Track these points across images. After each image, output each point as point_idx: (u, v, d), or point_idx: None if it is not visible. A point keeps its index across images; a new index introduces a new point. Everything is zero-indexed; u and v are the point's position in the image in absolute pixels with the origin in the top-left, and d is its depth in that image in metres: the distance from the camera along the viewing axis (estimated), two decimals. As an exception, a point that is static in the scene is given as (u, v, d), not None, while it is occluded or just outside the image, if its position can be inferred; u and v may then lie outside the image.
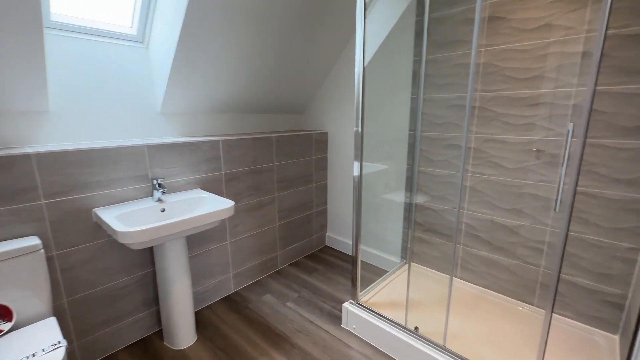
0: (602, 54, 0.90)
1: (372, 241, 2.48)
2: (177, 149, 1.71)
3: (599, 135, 1.47)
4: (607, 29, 1.12)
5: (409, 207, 2.25)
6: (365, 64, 1.49)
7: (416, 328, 1.54)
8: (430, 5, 1.89)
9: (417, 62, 2.02)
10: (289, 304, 2.00)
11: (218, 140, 1.90)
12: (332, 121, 2.60)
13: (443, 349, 1.39)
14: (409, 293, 1.95)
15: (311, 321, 1.83)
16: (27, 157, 1.25)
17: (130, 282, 1.61)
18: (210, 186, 1.89)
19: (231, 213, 1.53)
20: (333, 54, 2.37)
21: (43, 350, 1.04)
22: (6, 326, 1.14)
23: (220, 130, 2.21)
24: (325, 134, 2.66)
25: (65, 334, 1.43)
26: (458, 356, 1.35)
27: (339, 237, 2.77)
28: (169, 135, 1.94)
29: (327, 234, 2.87)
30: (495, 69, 1.71)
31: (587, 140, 1.48)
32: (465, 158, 1.90)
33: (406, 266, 2.28)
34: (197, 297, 1.93)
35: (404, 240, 2.31)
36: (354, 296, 1.76)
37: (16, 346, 1.06)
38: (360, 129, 1.56)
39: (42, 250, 1.23)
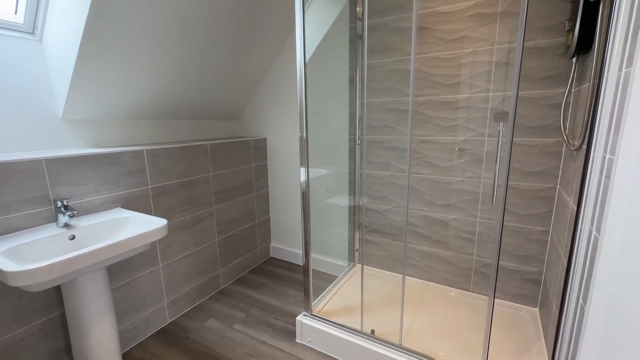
0: (521, 64, 1.00)
1: (319, 247, 2.45)
2: (88, 163, 1.42)
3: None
4: (523, 40, 1.27)
5: (353, 210, 2.28)
6: (306, 69, 1.45)
7: (372, 331, 1.53)
8: (362, 13, 1.95)
9: (352, 67, 2.06)
10: (236, 326, 1.83)
11: (142, 150, 1.65)
12: (271, 127, 2.50)
13: (400, 348, 1.41)
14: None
15: (263, 341, 1.70)
16: None
17: (28, 334, 1.27)
18: (134, 204, 1.63)
19: (164, 233, 1.33)
20: (268, 58, 2.29)
21: None
22: None
23: (143, 139, 1.93)
24: (264, 140, 2.55)
25: None
26: (415, 353, 1.38)
27: (284, 246, 2.67)
28: (75, 146, 1.61)
29: (272, 244, 2.74)
30: (424, 75, 1.83)
31: (503, 138, 1.68)
32: (407, 159, 2.00)
33: (354, 268, 2.30)
34: (124, 336, 1.63)
35: (350, 243, 2.33)
36: (307, 307, 1.68)
37: None
38: (305, 134, 1.51)
39: None
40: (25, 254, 1.12)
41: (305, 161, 1.53)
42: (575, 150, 1.31)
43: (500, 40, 1.62)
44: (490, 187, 1.78)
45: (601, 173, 0.93)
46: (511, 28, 1.59)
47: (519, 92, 1.62)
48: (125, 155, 1.57)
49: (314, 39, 2.12)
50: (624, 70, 0.85)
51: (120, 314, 1.61)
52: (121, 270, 1.59)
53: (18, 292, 1.23)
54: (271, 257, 2.73)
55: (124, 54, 1.51)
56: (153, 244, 1.74)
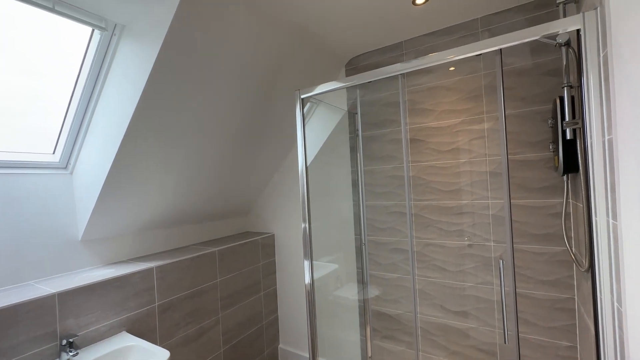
0: (509, 175, 1.05)
1: (329, 353, 2.29)
2: (98, 289, 1.46)
3: (517, 241, 1.66)
4: (507, 154, 1.35)
5: (364, 312, 2.18)
6: (307, 168, 1.55)
7: None
8: (361, 126, 2.14)
9: (354, 171, 2.19)
10: None
11: (152, 268, 1.69)
12: (279, 222, 2.57)
13: None
14: (376, 421, 1.76)
15: None
16: None
17: None
18: (139, 325, 1.61)
19: (165, 370, 1.28)
20: (276, 159, 2.46)
21: None
22: None
23: (154, 249, 2.00)
24: (272, 236, 2.59)
25: None
26: None
27: (293, 348, 2.51)
28: (91, 265, 1.68)
29: (280, 346, 2.58)
30: (423, 181, 1.92)
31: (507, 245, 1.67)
32: (405, 263, 1.97)
33: (368, 380, 2.10)
34: None
35: (363, 350, 2.18)
36: None
37: None
38: (307, 225, 1.54)
39: None
40: (22, 407, 1.09)
41: (308, 254, 1.54)
42: (585, 271, 1.28)
43: (491, 152, 1.72)
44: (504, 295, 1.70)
45: (613, 320, 0.89)
46: (500, 143, 1.70)
47: (518, 201, 1.66)
48: (135, 276, 1.61)
49: (318, 142, 2.31)
50: (611, 221, 0.88)
51: None
52: (119, 402, 1.50)
53: None
54: (279, 362, 2.55)
55: (142, 180, 1.66)
56: (154, 366, 1.67)
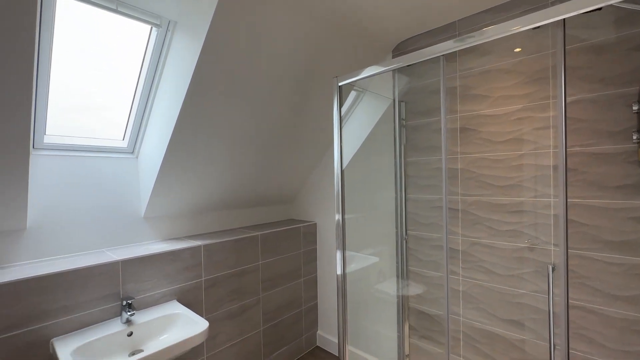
0: (566, 168, 0.90)
1: (366, 345, 2.27)
2: (155, 261, 1.65)
3: (585, 248, 1.43)
4: (566, 144, 1.16)
5: (401, 308, 2.11)
6: (342, 157, 1.53)
7: None
8: (406, 114, 2.03)
9: (397, 163, 2.09)
10: None
11: (200, 246, 1.85)
12: (321, 212, 2.60)
13: None
14: (408, 420, 1.70)
15: None
16: (-14, 291, 1.18)
17: None
18: (188, 296, 1.78)
19: (203, 339, 1.41)
20: (320, 150, 2.48)
21: None
22: None
23: (204, 229, 2.18)
24: (314, 225, 2.63)
25: None
26: None
27: (331, 336, 2.54)
28: (151, 239, 1.90)
29: (318, 332, 2.64)
30: (472, 175, 1.75)
31: (573, 251, 1.44)
32: (449, 261, 1.83)
33: (404, 379, 2.04)
34: None
35: (400, 346, 2.11)
36: None
37: None
38: (341, 218, 1.53)
39: (-20, 403, 1.09)
40: (90, 352, 1.29)
41: (341, 245, 1.53)
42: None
43: (557, 144, 1.49)
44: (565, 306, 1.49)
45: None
46: (570, 131, 1.46)
47: (590, 201, 1.42)
48: (185, 252, 1.78)
49: (363, 132, 2.26)
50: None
51: (163, 407, 1.67)
52: (169, 361, 1.70)
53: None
54: (317, 347, 2.60)
55: (194, 165, 1.81)
56: (200, 334, 1.84)
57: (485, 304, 1.73)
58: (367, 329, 2.25)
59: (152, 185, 1.77)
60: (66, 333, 1.36)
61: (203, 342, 1.85)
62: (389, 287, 2.16)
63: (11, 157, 1.23)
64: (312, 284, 2.61)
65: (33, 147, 1.53)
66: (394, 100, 2.10)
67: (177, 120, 1.56)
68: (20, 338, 1.25)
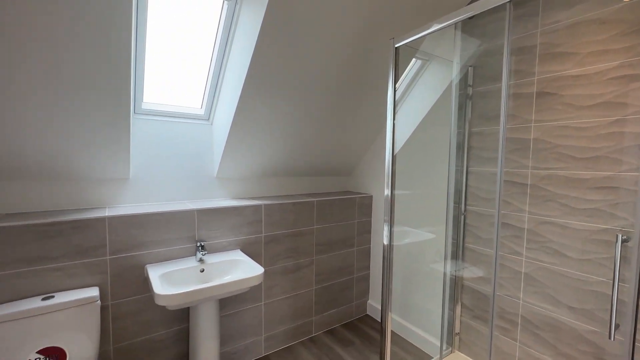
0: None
1: (415, 318, 2.26)
2: (222, 213, 1.89)
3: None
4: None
5: (454, 285, 2.03)
6: (394, 125, 1.51)
7: None
8: (474, 80, 1.87)
9: (460, 133, 1.96)
10: (315, 380, 1.89)
11: (261, 205, 2.05)
12: (377, 184, 2.60)
13: None
14: (451, 393, 1.68)
15: (335, 407, 1.69)
16: (101, 220, 1.53)
17: (167, 336, 1.74)
18: (250, 248, 2.01)
19: (259, 281, 1.59)
20: (379, 122, 2.45)
21: (77, 399, 1.17)
22: (59, 368, 1.33)
23: (267, 193, 2.39)
24: (370, 197, 2.65)
25: (107, 379, 1.58)
26: None
27: (378, 304, 2.59)
28: (221, 197, 2.17)
29: (369, 301, 2.71)
30: (548, 145, 1.56)
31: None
32: (512, 240, 1.68)
33: (452, 356, 1.99)
34: (227, 357, 1.97)
35: (450, 324, 2.06)
36: (382, 387, 1.59)
37: (60, 391, 1.22)
38: (390, 193, 1.53)
39: (98, 302, 1.44)
40: (172, 279, 1.58)
41: (389, 219, 1.55)
42: None
43: (663, 106, 1.23)
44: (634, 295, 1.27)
45: None
46: (683, 91, 1.19)
47: (703, 175, 1.15)
48: (248, 208, 1.99)
49: (427, 102, 2.17)
50: None
51: (226, 338, 1.96)
52: (232, 301, 1.96)
53: (166, 303, 1.72)
54: (367, 315, 2.69)
55: (258, 132, 1.98)
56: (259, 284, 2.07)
57: (552, 288, 1.57)
58: (418, 304, 2.24)
59: (223, 149, 2.00)
60: (156, 262, 1.68)
61: (261, 290, 2.08)
62: (443, 264, 2.10)
63: (117, 120, 1.53)
64: (365, 254, 2.67)
65: (134, 112, 1.86)
66: (460, 65, 1.94)
67: (242, 90, 1.71)
68: (127, 260, 1.60)
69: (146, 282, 1.65)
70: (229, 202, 2.05)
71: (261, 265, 2.07)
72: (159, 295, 1.34)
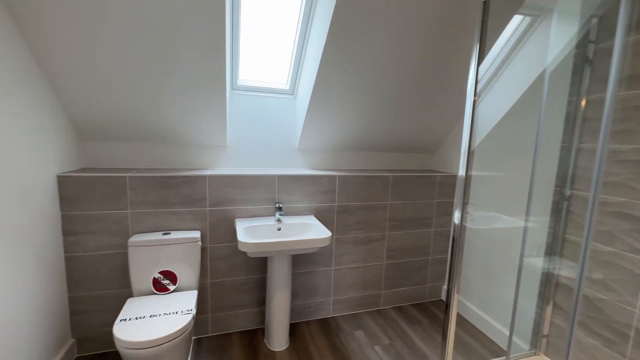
0: None
1: (495, 311, 2.06)
2: (300, 180, 2.06)
3: None
4: None
5: (546, 281, 1.76)
6: (477, 95, 1.35)
7: None
8: (597, 34, 1.50)
9: (571, 102, 1.62)
10: (377, 347, 1.95)
11: (335, 176, 2.13)
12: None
13: None
14: (527, 394, 1.51)
15: (392, 375, 1.72)
16: (204, 177, 1.86)
17: (250, 281, 2.04)
18: (322, 215, 2.14)
19: (327, 243, 1.70)
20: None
21: (182, 312, 1.51)
22: (172, 287, 1.72)
23: (345, 165, 2.46)
24: (453, 177, 2.45)
25: (205, 306, 1.97)
26: None
27: (461, 296, 2.43)
28: (300, 166, 2.34)
29: (444, 287, 2.57)
30: None
31: None
32: (633, 235, 1.33)
33: (537, 358, 1.76)
34: (297, 311, 2.19)
35: (537, 323, 1.80)
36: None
37: (172, 302, 1.59)
38: (464, 173, 1.41)
39: (199, 242, 1.78)
40: (253, 232, 1.83)
41: (460, 203, 1.44)
42: None
43: None
44: None
45: None
46: None
47: None
48: (323, 178, 2.10)
49: (535, 69, 1.86)
50: None
51: (298, 293, 2.17)
52: (305, 261, 2.15)
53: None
54: (441, 300, 2.56)
55: (337, 105, 2.04)
56: (329, 249, 2.19)
57: (687, 301, 1.21)
58: (499, 296, 2.02)
59: (303, 122, 2.13)
60: (242, 217, 1.97)
61: (332, 256, 2.20)
62: (535, 256, 1.83)
63: (217, 96, 1.79)
64: (444, 237, 2.51)
65: (231, 88, 2.14)
66: (583, 18, 1.57)
67: (320, 64, 1.78)
68: (221, 212, 1.91)
69: (235, 233, 1.95)
70: (306, 171, 2.20)
71: (333, 233, 2.18)
72: (241, 242, 1.58)
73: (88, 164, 1.91)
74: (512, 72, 1.97)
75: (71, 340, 1.73)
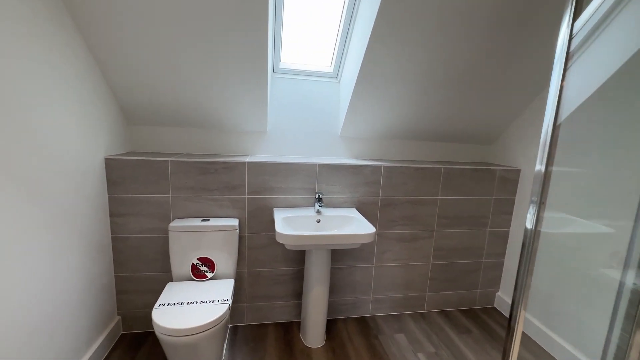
0: None
1: (565, 329, 1.78)
2: (342, 170, 1.92)
3: None
4: None
5: (638, 303, 1.45)
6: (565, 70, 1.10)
7: None
8: None
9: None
10: (420, 355, 1.79)
11: (380, 166, 1.96)
12: (530, 157, 2.07)
13: None
14: None
15: (438, 389, 1.56)
16: (243, 164, 1.79)
17: (287, 273, 1.97)
18: (365, 208, 1.99)
19: (369, 240, 1.56)
20: (538, 80, 1.89)
21: (217, 301, 1.48)
22: (210, 274, 1.70)
23: (390, 155, 2.28)
24: (517, 172, 2.15)
25: (241, 294, 1.94)
26: None
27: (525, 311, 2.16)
28: (344, 155, 2.20)
29: (499, 294, 2.31)
30: None
31: None
32: None
33: (618, 390, 1.48)
34: (335, 307, 2.08)
35: (620, 347, 1.51)
36: (500, 389, 1.34)
37: (209, 290, 1.56)
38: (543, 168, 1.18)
39: (237, 231, 1.74)
40: (292, 223, 1.74)
41: (537, 201, 1.21)
42: None
43: None
44: None
45: None
46: None
47: None
48: (367, 168, 1.95)
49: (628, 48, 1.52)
50: None
51: (336, 289, 2.06)
52: (345, 256, 2.02)
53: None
54: (494, 308, 2.31)
55: (384, 88, 1.86)
56: (371, 245, 2.05)
57: None
58: (567, 311, 1.74)
59: (347, 108, 1.98)
60: (281, 207, 1.89)
61: (373, 252, 2.05)
62: (621, 270, 1.52)
63: (257, 78, 1.70)
64: (501, 238, 2.24)
65: (273, 71, 2.04)
66: None
67: (368, 45, 1.60)
68: (259, 201, 1.85)
69: (273, 223, 1.88)
70: (349, 160, 2.06)
71: (375, 227, 2.03)
72: (279, 233, 1.50)
73: (134, 147, 1.94)
74: (603, 43, 1.62)
75: (117, 318, 1.80)
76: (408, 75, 1.80)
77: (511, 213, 2.21)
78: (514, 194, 2.18)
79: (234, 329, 1.93)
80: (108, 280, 1.71)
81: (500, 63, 1.79)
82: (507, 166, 2.21)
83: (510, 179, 2.16)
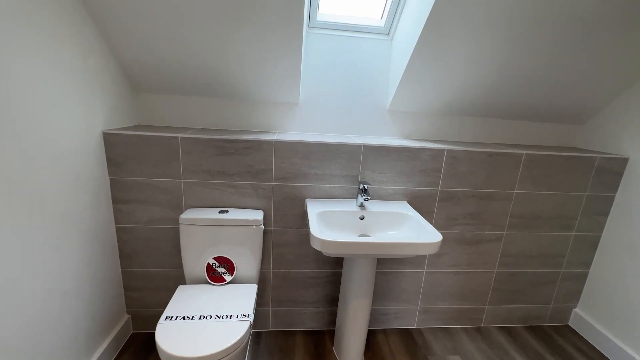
0: None
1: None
2: (392, 154, 1.51)
3: None
4: None
5: None
6: None
7: None
8: None
9: None
10: (483, 389, 1.44)
11: (443, 150, 1.53)
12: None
13: None
14: None
15: None
16: (269, 143, 1.43)
17: (319, 276, 1.64)
18: (419, 202, 1.59)
19: (434, 251, 1.17)
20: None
21: (237, 316, 1.18)
22: (228, 278, 1.41)
23: (450, 136, 1.83)
24: (623, 161, 1.64)
25: (266, 297, 1.65)
26: None
27: (598, 324, 1.73)
28: (392, 134, 1.78)
29: (576, 309, 1.88)
30: None
31: None
32: None
33: None
34: (374, 316, 1.76)
35: None
36: None
37: (228, 299, 1.27)
38: None
39: (262, 226, 1.41)
40: (329, 219, 1.38)
41: None
42: None
43: None
44: None
45: None
46: None
47: None
48: (425, 152, 1.52)
49: None
50: None
51: (377, 295, 1.72)
52: (390, 259, 1.66)
53: (322, 242, 1.59)
54: (568, 326, 1.89)
55: (451, 51, 1.38)
56: (424, 246, 1.66)
57: None
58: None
59: (402, 74, 1.53)
60: (315, 197, 1.53)
61: (426, 255, 1.67)
62: None
63: (290, 35, 1.29)
64: (588, 245, 1.77)
65: (308, 25, 1.61)
66: None
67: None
68: (289, 189, 1.50)
69: (304, 217, 1.54)
70: (401, 141, 1.64)
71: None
72: (315, 237, 1.14)
73: (143, 120, 1.63)
74: None
75: (126, 316, 1.58)
76: (484, 35, 1.31)
77: (607, 214, 1.72)
78: (615, 189, 1.68)
79: (257, 335, 1.66)
80: (114, 275, 1.47)
81: (612, 25, 1.24)
82: (607, 153, 1.69)
83: (611, 170, 1.65)
